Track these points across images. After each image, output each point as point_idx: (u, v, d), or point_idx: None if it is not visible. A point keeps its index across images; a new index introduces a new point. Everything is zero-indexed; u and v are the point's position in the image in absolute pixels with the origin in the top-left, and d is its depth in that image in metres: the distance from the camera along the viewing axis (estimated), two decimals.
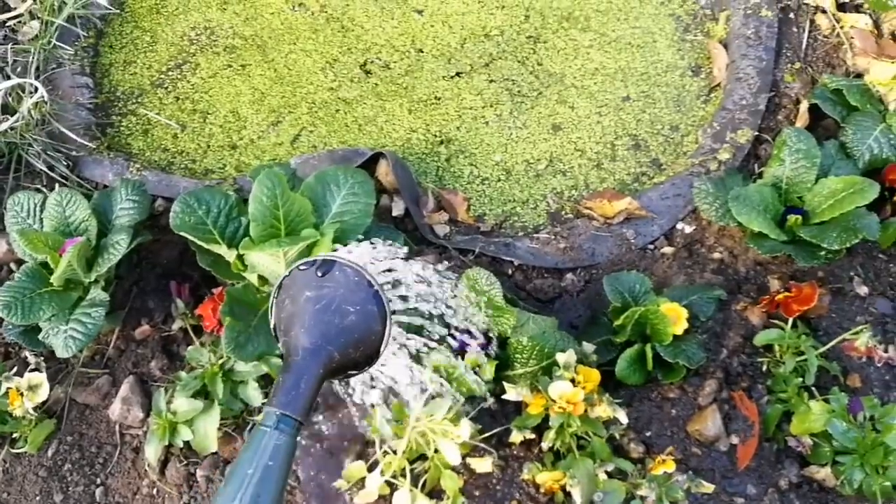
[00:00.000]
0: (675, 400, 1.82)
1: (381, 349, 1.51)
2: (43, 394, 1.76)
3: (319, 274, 1.49)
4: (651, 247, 2.10)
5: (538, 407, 1.71)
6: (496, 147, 2.27)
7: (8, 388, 1.76)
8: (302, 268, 1.51)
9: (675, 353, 1.81)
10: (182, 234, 1.83)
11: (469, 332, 1.82)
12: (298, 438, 1.33)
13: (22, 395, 1.75)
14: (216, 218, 1.89)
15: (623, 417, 1.69)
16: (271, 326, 1.55)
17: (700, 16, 2.51)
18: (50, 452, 1.85)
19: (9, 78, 2.25)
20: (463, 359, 1.78)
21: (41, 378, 1.76)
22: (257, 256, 1.81)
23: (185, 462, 1.81)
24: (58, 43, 2.36)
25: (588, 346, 1.82)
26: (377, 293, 1.50)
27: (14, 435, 1.83)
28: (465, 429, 1.61)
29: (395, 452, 1.69)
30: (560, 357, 1.72)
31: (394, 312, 1.57)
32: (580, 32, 2.47)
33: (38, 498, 1.82)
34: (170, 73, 2.44)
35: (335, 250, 1.68)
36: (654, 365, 1.83)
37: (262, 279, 1.89)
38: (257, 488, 1.25)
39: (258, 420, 1.35)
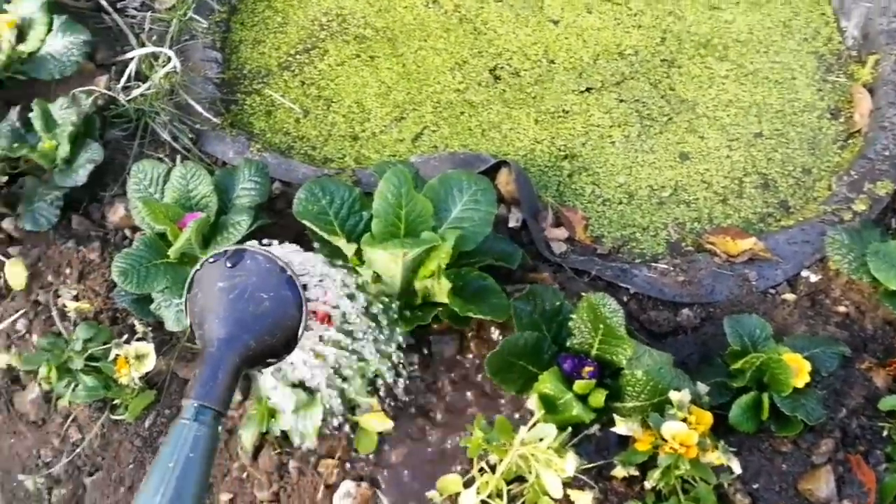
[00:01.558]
0: (787, 454, 1.74)
1: (299, 334, 1.50)
2: (149, 364, 1.75)
3: (229, 265, 1.48)
4: (772, 291, 2.01)
5: (646, 444, 1.65)
6: (620, 168, 2.20)
7: (117, 355, 1.76)
8: (212, 260, 1.50)
9: (793, 407, 1.72)
10: (304, 221, 1.81)
11: (582, 356, 1.77)
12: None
13: (129, 363, 1.74)
14: (339, 209, 1.87)
15: (737, 467, 1.62)
16: (186, 323, 1.54)
17: (845, 56, 2.41)
18: (147, 423, 1.85)
19: (143, 45, 2.27)
20: (573, 383, 1.73)
21: (149, 349, 1.76)
22: (376, 253, 1.78)
23: (279, 451, 1.79)
24: (193, 15, 2.36)
25: (702, 387, 1.74)
26: (290, 278, 1.49)
27: (115, 401, 1.83)
28: (571, 464, 1.56)
29: (493, 470, 1.65)
30: (674, 395, 1.65)
31: (308, 300, 1.55)
32: (717, 61, 2.39)
33: (130, 466, 1.82)
34: (298, 56, 2.43)
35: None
36: (769, 415, 1.75)
37: (377, 276, 1.86)
38: (180, 482, 1.23)
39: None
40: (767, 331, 1.85)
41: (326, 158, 2.24)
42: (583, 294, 2.02)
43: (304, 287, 1.53)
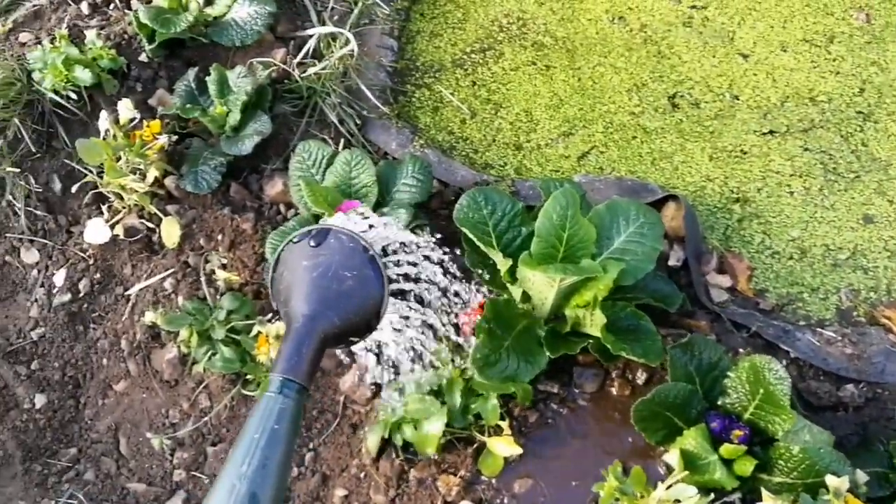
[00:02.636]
0: None
1: (381, 312, 1.49)
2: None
3: (313, 243, 1.48)
4: None
5: None
6: (795, 221, 2.06)
7: (259, 332, 1.74)
8: (296, 240, 1.50)
9: None
10: (463, 228, 1.76)
11: (734, 418, 1.66)
12: None
13: (269, 342, 1.73)
14: (498, 221, 1.81)
15: None
16: (273, 303, 1.54)
17: None
18: None
19: (324, 24, 2.25)
20: (720, 445, 1.62)
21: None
22: (532, 274, 1.71)
23: (401, 458, 1.75)
24: (377, 0, 2.34)
25: (861, 475, 1.60)
26: (373, 257, 1.48)
27: (248, 376, 1.82)
28: None
29: None
30: (831, 480, 1.51)
31: (391, 280, 1.55)
32: None
33: None
34: (472, 55, 2.37)
35: None
36: None
37: (526, 295, 1.79)
38: (265, 451, 1.24)
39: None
40: None
41: (487, 164, 2.18)
42: (740, 350, 1.91)
43: (387, 266, 1.53)
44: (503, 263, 1.74)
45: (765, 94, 2.25)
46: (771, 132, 2.19)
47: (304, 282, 1.46)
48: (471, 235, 1.76)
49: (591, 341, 1.71)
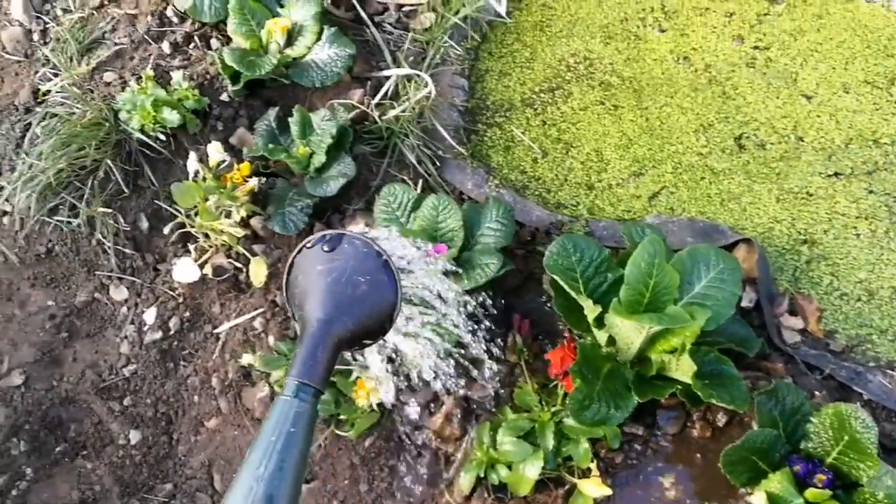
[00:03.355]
0: None
1: (394, 316, 1.55)
2: (388, 393, 1.79)
3: (327, 248, 1.54)
4: None
5: None
6: (863, 263, 2.12)
7: (358, 377, 1.80)
8: (310, 245, 1.55)
9: None
10: (553, 275, 1.81)
11: (816, 462, 1.71)
12: None
13: (368, 386, 1.79)
14: (586, 268, 1.86)
15: None
16: (287, 307, 1.60)
17: None
18: (367, 442, 1.89)
19: (399, 64, 2.31)
20: (804, 488, 1.68)
21: (389, 377, 1.79)
22: (622, 322, 1.77)
23: (493, 497, 1.81)
24: (448, 40, 2.39)
25: None
26: (387, 262, 1.54)
27: (341, 417, 1.88)
28: None
29: None
30: None
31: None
32: None
33: (345, 481, 1.87)
34: (542, 94, 2.43)
35: None
36: None
37: (611, 339, 1.85)
38: (282, 454, 1.29)
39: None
40: None
41: (560, 203, 2.23)
42: (815, 392, 1.98)
43: (400, 270, 1.59)
44: (592, 310, 1.80)
45: (829, 135, 2.31)
46: (836, 174, 2.25)
47: (319, 286, 1.50)
48: (560, 282, 1.81)
49: (678, 387, 1.77)
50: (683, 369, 1.75)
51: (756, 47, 2.47)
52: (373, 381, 1.78)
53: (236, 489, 1.26)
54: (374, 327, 1.55)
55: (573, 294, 1.82)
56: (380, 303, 1.53)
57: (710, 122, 2.35)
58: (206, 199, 2.01)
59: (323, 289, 1.50)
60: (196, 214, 2.03)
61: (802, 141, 2.31)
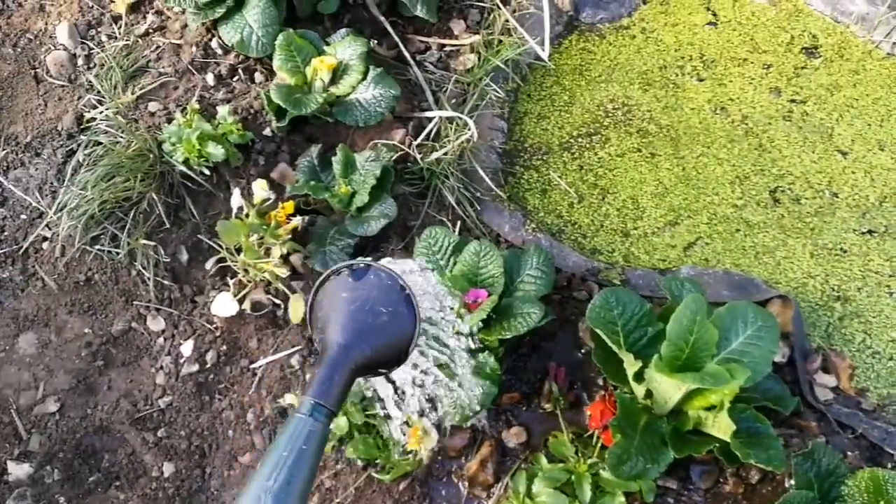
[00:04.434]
0: None
1: (410, 349, 1.61)
2: (432, 442, 1.81)
3: (354, 278, 1.61)
4: None
5: None
6: (895, 322, 2.13)
7: (407, 424, 1.81)
8: (337, 272, 1.63)
9: None
10: (595, 329, 1.83)
11: None
12: None
13: (419, 433, 1.80)
14: (627, 321, 1.88)
15: None
16: (309, 328, 1.67)
17: None
18: (401, 486, 1.90)
19: (440, 105, 2.33)
20: None
21: (432, 429, 1.81)
22: (661, 377, 1.78)
23: None
24: (489, 81, 2.41)
25: None
26: (408, 297, 1.61)
27: (377, 460, 1.89)
28: None
29: None
30: None
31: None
32: None
33: None
34: (580, 139, 2.45)
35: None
36: None
37: (649, 392, 1.86)
38: (291, 469, 1.34)
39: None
40: None
41: (595, 249, 2.25)
42: (848, 453, 1.99)
43: (420, 306, 1.64)
44: (632, 365, 1.81)
45: (863, 192, 2.33)
46: (870, 231, 2.27)
47: (342, 312, 1.58)
48: (602, 335, 1.83)
49: (716, 444, 1.79)
50: (721, 427, 1.77)
51: (793, 100, 2.50)
52: (421, 430, 1.80)
53: (245, 499, 1.32)
54: (391, 357, 1.62)
55: (614, 348, 1.84)
56: (398, 334, 1.60)
57: (745, 174, 2.37)
58: (250, 237, 2.03)
59: (346, 315, 1.57)
60: (238, 251, 2.04)
61: (837, 197, 2.33)
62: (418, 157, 2.21)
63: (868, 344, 2.11)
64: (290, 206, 2.05)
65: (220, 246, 2.10)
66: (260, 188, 2.06)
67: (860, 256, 2.23)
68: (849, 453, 1.92)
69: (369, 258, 1.67)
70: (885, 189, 2.33)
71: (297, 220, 2.06)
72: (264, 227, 2.02)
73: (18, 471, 1.98)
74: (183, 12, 2.38)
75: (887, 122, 2.44)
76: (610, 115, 2.49)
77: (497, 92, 2.41)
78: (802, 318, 2.10)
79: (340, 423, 1.85)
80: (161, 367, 2.09)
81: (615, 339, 1.85)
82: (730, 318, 1.90)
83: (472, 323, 1.85)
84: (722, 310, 1.91)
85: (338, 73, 2.27)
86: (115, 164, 2.10)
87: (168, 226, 2.15)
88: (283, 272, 1.97)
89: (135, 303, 2.13)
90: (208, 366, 2.07)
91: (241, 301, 2.07)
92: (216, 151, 2.12)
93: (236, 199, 2.07)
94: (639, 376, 1.83)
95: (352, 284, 1.61)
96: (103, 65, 2.36)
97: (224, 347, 2.08)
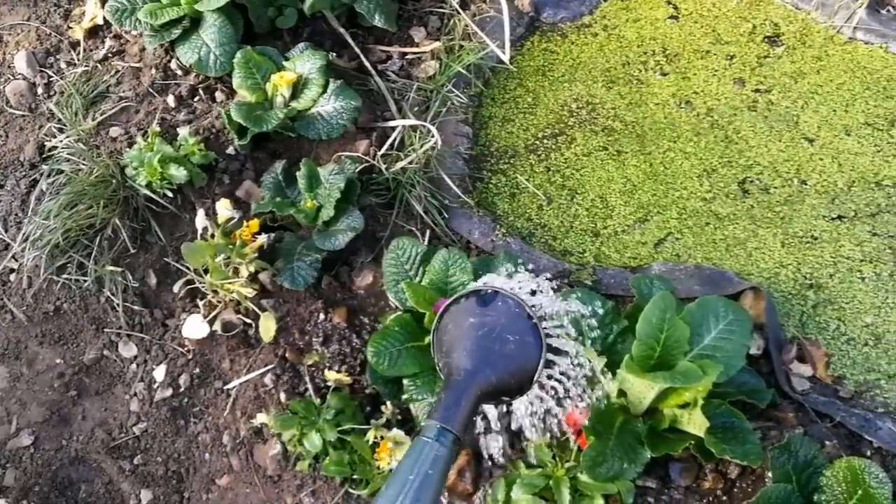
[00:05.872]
0: None
1: (535, 378, 1.60)
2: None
3: (482, 304, 1.62)
4: None
5: None
6: (868, 307, 2.13)
7: (382, 438, 1.80)
8: (466, 297, 1.63)
9: None
10: None
11: None
12: None
13: (390, 447, 1.79)
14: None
15: None
16: (433, 351, 1.68)
17: None
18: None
19: (403, 113, 2.32)
20: None
21: (406, 438, 1.80)
22: (633, 377, 1.77)
23: None
24: (451, 87, 2.40)
25: None
26: (535, 325, 1.60)
27: (355, 476, 1.88)
28: None
29: None
30: None
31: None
32: None
33: None
34: (545, 140, 2.44)
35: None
36: None
37: (622, 392, 1.85)
38: (417, 493, 1.34)
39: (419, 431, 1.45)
40: None
41: (566, 251, 2.24)
42: (826, 442, 1.98)
43: (548, 336, 1.64)
44: (599, 361, 1.81)
45: (831, 178, 2.32)
46: (839, 217, 2.26)
47: (469, 338, 1.59)
48: None
49: (692, 441, 1.78)
50: (696, 424, 1.76)
51: (757, 90, 2.49)
52: (391, 443, 1.78)
53: None
54: (514, 386, 1.61)
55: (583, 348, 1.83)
56: (524, 363, 1.59)
57: (713, 166, 2.36)
58: (216, 257, 2.01)
59: (473, 341, 1.58)
60: (206, 272, 2.03)
61: (806, 184, 2.32)
62: (383, 167, 2.20)
63: (842, 331, 2.11)
64: (254, 224, 2.04)
65: (188, 268, 2.08)
66: (224, 208, 2.05)
67: (831, 243, 2.22)
68: (827, 442, 1.91)
69: (497, 283, 1.65)
70: (852, 174, 2.33)
71: (263, 238, 2.04)
72: (230, 246, 2.01)
73: None
74: (140, 35, 2.37)
75: (852, 106, 2.44)
76: (574, 114, 2.48)
77: (460, 97, 2.40)
78: (776, 309, 2.09)
79: (315, 441, 1.84)
80: (135, 394, 2.07)
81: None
82: (701, 313, 1.90)
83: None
84: (692, 305, 1.91)
85: (298, 87, 2.26)
86: (77, 192, 2.09)
87: (135, 250, 2.14)
88: (249, 291, 1.96)
89: (105, 330, 2.12)
90: (182, 389, 2.06)
91: (211, 322, 2.05)
92: (178, 173, 2.11)
93: (201, 220, 2.06)
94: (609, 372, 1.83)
95: (479, 310, 1.61)
96: (63, 92, 2.35)
97: (197, 370, 2.07)
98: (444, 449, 1.40)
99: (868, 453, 1.94)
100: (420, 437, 1.42)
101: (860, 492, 1.68)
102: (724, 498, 1.85)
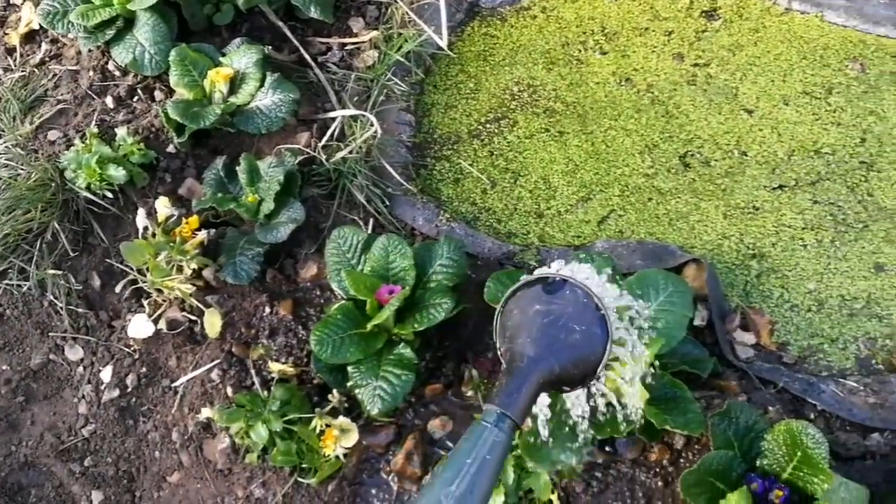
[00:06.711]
0: None
1: (598, 370, 1.56)
2: (352, 440, 1.80)
3: (549, 291, 1.56)
4: None
5: None
6: (811, 274, 2.15)
7: (328, 426, 1.80)
8: (532, 282, 1.58)
9: None
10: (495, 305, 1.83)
11: (773, 479, 1.74)
12: None
13: (336, 436, 1.79)
14: None
15: None
16: (495, 336, 1.61)
17: None
18: (330, 488, 1.89)
19: (344, 105, 2.32)
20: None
21: (352, 425, 1.80)
22: None
23: None
24: (391, 76, 2.40)
25: None
26: (603, 317, 1.55)
27: (303, 465, 1.88)
28: None
29: None
30: None
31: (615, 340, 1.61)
32: None
33: None
34: (488, 125, 2.45)
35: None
36: None
37: None
38: (474, 478, 1.31)
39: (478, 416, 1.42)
40: None
41: (511, 233, 2.25)
42: (769, 407, 2.00)
43: (617, 328, 1.59)
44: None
45: (771, 148, 2.34)
46: (780, 187, 2.28)
47: (534, 325, 1.54)
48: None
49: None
50: (637, 396, 1.77)
51: (696, 64, 2.51)
52: (337, 430, 1.79)
53: (425, 501, 1.30)
54: (576, 377, 1.57)
55: None
56: (588, 355, 1.55)
57: (654, 142, 2.37)
58: (157, 256, 2.01)
59: (538, 328, 1.53)
60: (148, 271, 2.03)
61: (746, 155, 2.34)
62: (324, 158, 2.20)
63: (786, 298, 2.13)
64: (194, 220, 2.04)
65: (131, 268, 2.08)
66: (163, 206, 2.04)
67: (772, 212, 2.24)
68: (771, 408, 1.92)
69: (567, 272, 1.60)
70: (792, 143, 2.35)
71: (203, 235, 2.04)
72: (171, 244, 2.01)
73: None
74: (76, 38, 2.36)
75: (790, 76, 2.46)
76: (516, 97, 2.49)
77: (400, 85, 2.40)
78: (718, 280, 2.11)
79: (261, 432, 1.84)
80: (83, 396, 2.07)
81: None
82: (640, 286, 1.91)
83: (379, 319, 1.84)
84: (631, 279, 1.93)
85: (236, 82, 2.25)
86: (15, 197, 2.08)
87: (77, 253, 2.13)
88: (189, 288, 1.96)
89: (51, 334, 2.11)
90: (129, 389, 2.06)
91: (156, 321, 2.05)
92: (118, 174, 2.10)
93: (141, 220, 2.06)
94: None
95: (546, 297, 1.56)
96: (0, 98, 2.34)
97: (143, 369, 2.07)
98: (503, 434, 1.37)
99: (812, 416, 1.97)
100: (479, 421, 1.39)
101: (799, 454, 1.70)
102: (671, 469, 1.87)
